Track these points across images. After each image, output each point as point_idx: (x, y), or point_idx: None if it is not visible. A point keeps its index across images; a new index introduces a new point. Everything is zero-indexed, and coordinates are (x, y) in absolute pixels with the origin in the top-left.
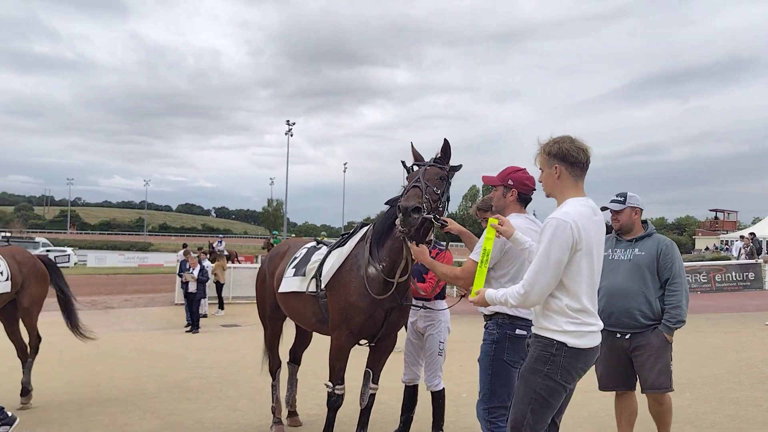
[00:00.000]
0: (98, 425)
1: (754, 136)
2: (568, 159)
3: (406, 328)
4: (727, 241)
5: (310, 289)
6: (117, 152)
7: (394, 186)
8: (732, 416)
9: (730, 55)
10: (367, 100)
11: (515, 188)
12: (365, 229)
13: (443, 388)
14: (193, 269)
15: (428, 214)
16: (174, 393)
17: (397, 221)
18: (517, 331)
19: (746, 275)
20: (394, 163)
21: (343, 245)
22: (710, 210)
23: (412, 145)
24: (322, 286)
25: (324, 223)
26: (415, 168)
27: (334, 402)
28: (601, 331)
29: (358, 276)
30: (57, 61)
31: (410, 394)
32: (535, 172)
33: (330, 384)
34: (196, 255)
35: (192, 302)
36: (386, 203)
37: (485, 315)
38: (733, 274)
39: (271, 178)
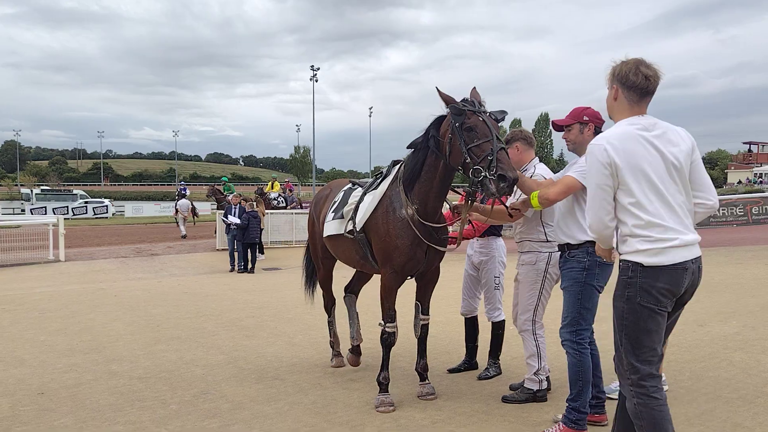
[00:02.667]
0: (167, 361)
1: None
2: (625, 82)
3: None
4: (761, 174)
5: (348, 230)
6: (146, 104)
7: (419, 128)
8: None
9: None
10: (392, 42)
11: (592, 122)
12: (396, 168)
13: (503, 320)
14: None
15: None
16: (232, 331)
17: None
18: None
19: None
20: (419, 105)
21: (376, 188)
22: (744, 143)
23: (438, 90)
24: (358, 228)
25: (351, 169)
26: (461, 112)
27: (386, 339)
28: None
29: (395, 218)
30: (84, 15)
31: (470, 325)
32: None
33: (382, 322)
34: (252, 200)
35: (251, 246)
36: (409, 146)
37: (570, 244)
38: None
39: (297, 125)
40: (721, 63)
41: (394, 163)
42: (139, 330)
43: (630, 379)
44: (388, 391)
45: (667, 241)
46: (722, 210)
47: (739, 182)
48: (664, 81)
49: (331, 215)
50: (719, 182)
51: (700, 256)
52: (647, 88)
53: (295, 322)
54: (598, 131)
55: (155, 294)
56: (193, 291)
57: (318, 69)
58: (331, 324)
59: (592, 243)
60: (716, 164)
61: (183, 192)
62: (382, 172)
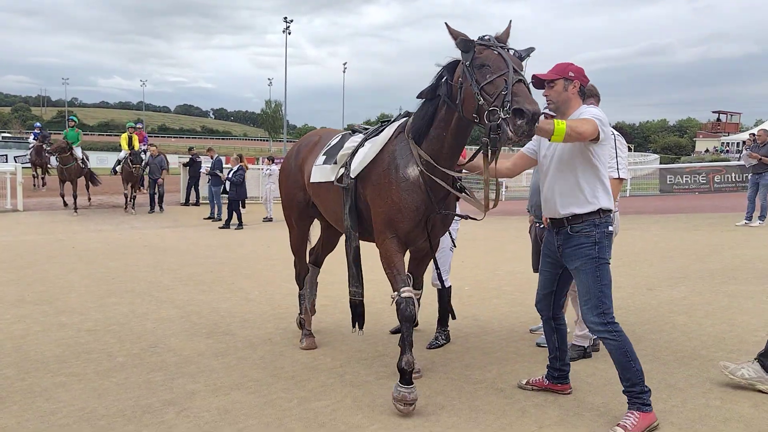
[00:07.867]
0: (119, 314)
1: (767, 36)
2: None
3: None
4: (727, 143)
5: (338, 177)
6: (117, 52)
7: (396, 87)
8: (725, 307)
9: None
10: None
11: (577, 80)
12: (402, 121)
13: (450, 285)
14: (234, 167)
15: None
16: (189, 285)
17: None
18: (609, 228)
19: (746, 176)
20: (396, 63)
21: (378, 134)
22: (713, 112)
23: (447, 26)
24: (352, 176)
25: (324, 125)
26: (468, 47)
27: (404, 309)
28: None
29: (398, 176)
30: None
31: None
32: None
33: (394, 294)
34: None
35: (239, 202)
36: (419, 96)
37: (575, 215)
38: (733, 175)
39: (269, 79)
40: (695, 32)
41: (407, 114)
42: (94, 282)
43: None
44: (413, 383)
45: None
46: (686, 178)
47: (706, 150)
48: (639, 48)
49: (322, 158)
50: (687, 150)
51: None
52: None
53: (254, 277)
54: (583, 91)
55: (114, 247)
56: (153, 244)
57: (291, 21)
58: (302, 298)
59: (597, 213)
60: (685, 132)
61: (38, 135)
62: (389, 120)
